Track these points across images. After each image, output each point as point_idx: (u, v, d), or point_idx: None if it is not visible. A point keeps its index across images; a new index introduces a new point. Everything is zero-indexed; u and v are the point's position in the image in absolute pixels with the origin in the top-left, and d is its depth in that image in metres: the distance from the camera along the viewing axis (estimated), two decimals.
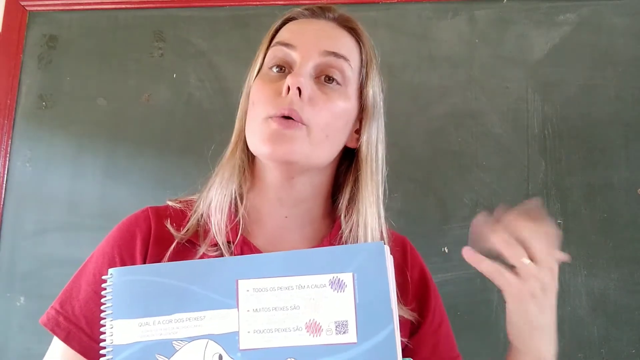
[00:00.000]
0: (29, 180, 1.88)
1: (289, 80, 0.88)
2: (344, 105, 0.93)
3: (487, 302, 1.66)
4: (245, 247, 0.93)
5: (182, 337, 0.68)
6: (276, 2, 1.88)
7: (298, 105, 0.87)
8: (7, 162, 1.89)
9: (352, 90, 0.95)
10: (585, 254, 1.68)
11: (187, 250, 0.92)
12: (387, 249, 0.71)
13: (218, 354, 0.67)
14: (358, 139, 0.99)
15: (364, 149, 0.97)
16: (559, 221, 1.70)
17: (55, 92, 1.92)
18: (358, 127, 0.99)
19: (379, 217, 0.98)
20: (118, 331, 0.69)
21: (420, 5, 1.87)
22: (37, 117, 1.92)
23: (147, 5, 1.94)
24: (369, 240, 0.94)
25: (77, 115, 1.90)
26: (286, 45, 0.94)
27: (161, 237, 0.93)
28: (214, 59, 1.89)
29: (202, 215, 0.95)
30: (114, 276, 0.72)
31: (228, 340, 0.67)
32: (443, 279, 1.68)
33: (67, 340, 0.87)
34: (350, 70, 0.94)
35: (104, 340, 0.70)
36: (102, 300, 0.72)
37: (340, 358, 0.66)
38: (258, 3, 1.90)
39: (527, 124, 1.77)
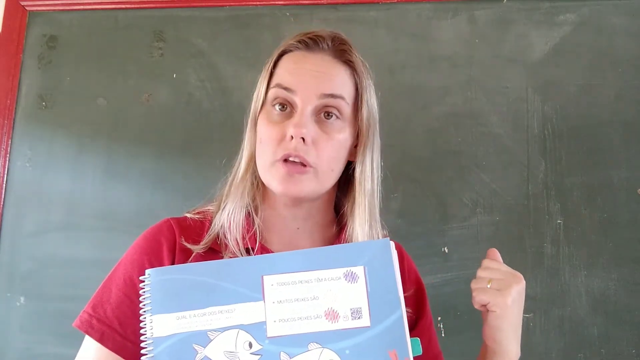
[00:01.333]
0: (29, 180, 1.94)
1: (292, 131, 1.01)
2: (343, 136, 1.07)
3: None
4: (265, 253, 1.06)
5: (216, 327, 0.80)
6: (276, 2, 1.96)
7: (303, 150, 1.01)
8: (7, 162, 1.94)
9: (348, 120, 1.08)
10: (585, 254, 1.76)
11: (210, 257, 1.04)
12: (392, 244, 0.85)
13: (248, 342, 0.79)
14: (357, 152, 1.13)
15: (358, 169, 1.11)
16: (558, 221, 1.78)
17: (55, 92, 1.98)
18: (356, 143, 1.12)
19: (376, 223, 1.12)
20: (157, 325, 0.81)
21: (420, 5, 1.93)
22: (37, 117, 1.97)
23: (147, 5, 2.00)
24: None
25: (77, 115, 1.96)
26: (286, 89, 1.05)
27: (185, 246, 1.05)
28: (214, 59, 1.96)
29: (219, 232, 1.07)
30: (152, 276, 0.84)
31: (257, 329, 0.80)
32: (443, 279, 1.77)
33: (101, 340, 0.97)
34: (347, 105, 1.07)
35: (142, 335, 0.82)
36: (141, 298, 0.83)
37: (356, 340, 0.79)
38: (258, 3, 1.97)
39: (527, 124, 1.84)
